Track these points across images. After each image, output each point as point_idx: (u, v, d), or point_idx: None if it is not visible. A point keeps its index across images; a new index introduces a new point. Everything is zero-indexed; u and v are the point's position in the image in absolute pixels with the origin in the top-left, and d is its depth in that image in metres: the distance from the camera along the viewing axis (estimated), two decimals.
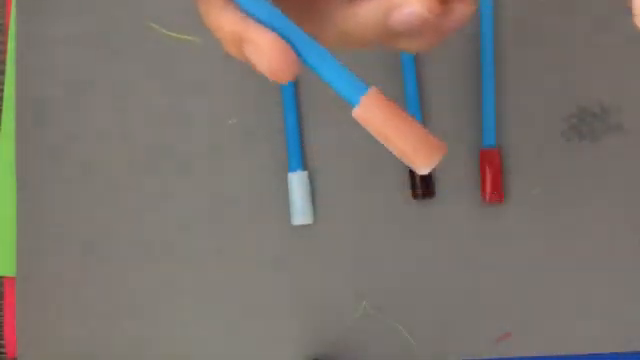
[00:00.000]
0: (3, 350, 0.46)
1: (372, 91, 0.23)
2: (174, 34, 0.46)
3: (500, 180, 0.43)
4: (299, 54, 0.23)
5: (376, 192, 0.45)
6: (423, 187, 0.44)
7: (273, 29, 0.22)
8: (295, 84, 0.45)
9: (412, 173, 0.44)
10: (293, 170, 0.44)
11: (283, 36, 0.22)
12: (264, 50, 0.22)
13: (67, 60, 0.47)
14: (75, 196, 0.46)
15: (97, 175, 0.46)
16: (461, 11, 0.25)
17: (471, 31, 0.45)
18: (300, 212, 0.44)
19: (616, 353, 0.43)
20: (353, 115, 0.23)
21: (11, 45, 0.47)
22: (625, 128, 0.44)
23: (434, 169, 0.44)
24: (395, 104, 0.23)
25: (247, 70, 0.46)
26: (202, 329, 0.45)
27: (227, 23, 0.23)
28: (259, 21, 0.23)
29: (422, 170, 0.22)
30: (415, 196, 0.44)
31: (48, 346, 0.45)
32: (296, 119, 0.45)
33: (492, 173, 0.43)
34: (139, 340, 0.45)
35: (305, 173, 0.44)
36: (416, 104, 0.44)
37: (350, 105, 0.23)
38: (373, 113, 0.22)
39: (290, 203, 0.44)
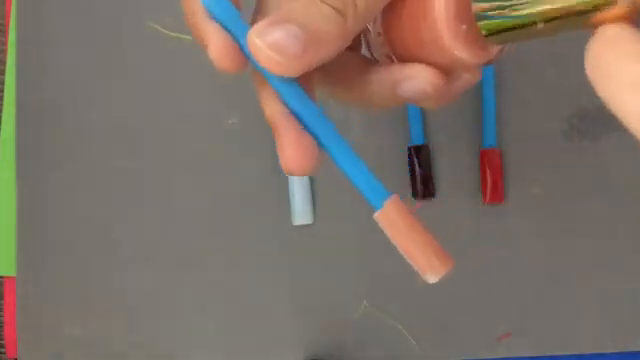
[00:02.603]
0: (3, 350, 0.46)
1: (394, 198, 0.25)
2: (174, 34, 0.46)
3: (500, 180, 0.43)
4: (327, 151, 0.25)
5: None
6: (423, 187, 0.44)
7: (305, 124, 0.24)
8: None
9: (412, 173, 0.44)
10: None
11: (313, 131, 0.24)
12: (286, 151, 0.24)
13: (67, 60, 0.47)
14: (75, 196, 0.46)
15: (97, 175, 0.46)
16: (465, 80, 0.26)
17: None
18: (300, 212, 0.44)
19: (616, 353, 0.43)
20: (374, 217, 0.25)
21: (11, 45, 0.47)
22: (625, 128, 0.44)
23: (434, 169, 0.44)
24: (412, 214, 0.25)
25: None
26: (202, 329, 0.45)
27: (266, 110, 0.25)
28: (293, 110, 0.24)
29: (430, 280, 0.24)
30: (415, 196, 0.44)
31: (48, 346, 0.45)
32: None
33: (492, 173, 0.43)
34: (139, 340, 0.45)
35: None
36: None
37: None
38: (393, 220, 0.25)
39: (290, 203, 0.44)
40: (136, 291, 0.45)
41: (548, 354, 0.43)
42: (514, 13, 0.21)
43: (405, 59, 0.25)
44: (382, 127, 0.45)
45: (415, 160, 0.44)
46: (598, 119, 0.44)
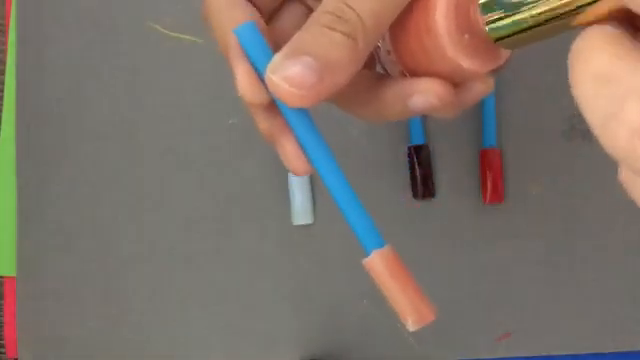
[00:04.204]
0: (3, 350, 0.46)
1: (387, 249, 0.25)
2: (174, 34, 0.46)
3: (500, 180, 0.43)
4: (328, 187, 0.26)
5: (376, 192, 0.45)
6: (423, 187, 0.44)
7: (310, 157, 0.26)
8: None
9: (412, 173, 0.44)
10: None
11: (317, 166, 0.26)
12: (292, 161, 0.26)
13: (67, 60, 0.47)
14: (75, 196, 0.46)
15: (97, 175, 0.46)
16: (477, 90, 0.27)
17: None
18: (300, 212, 0.44)
19: (616, 353, 0.43)
20: (363, 263, 0.25)
21: (11, 45, 0.47)
22: None
23: (434, 169, 0.44)
24: (403, 266, 0.25)
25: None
26: (202, 329, 0.45)
27: (260, 124, 0.27)
28: (302, 145, 0.26)
29: (410, 328, 0.25)
30: (415, 196, 0.44)
31: (48, 346, 0.45)
32: None
33: (492, 173, 0.43)
34: (139, 340, 0.45)
35: None
36: None
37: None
38: (381, 269, 0.25)
39: (290, 203, 0.44)
40: (136, 291, 0.45)
41: (548, 354, 0.43)
42: (521, 16, 0.21)
43: (416, 73, 0.26)
44: (382, 127, 0.45)
45: (415, 160, 0.44)
46: None
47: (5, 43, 0.48)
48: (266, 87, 0.24)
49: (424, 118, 0.45)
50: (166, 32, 0.47)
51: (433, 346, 0.44)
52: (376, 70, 0.29)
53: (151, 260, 0.45)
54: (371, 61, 0.29)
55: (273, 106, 0.26)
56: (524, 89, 0.45)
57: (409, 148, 0.44)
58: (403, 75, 0.27)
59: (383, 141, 0.45)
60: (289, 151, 0.26)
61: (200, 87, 0.46)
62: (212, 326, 0.45)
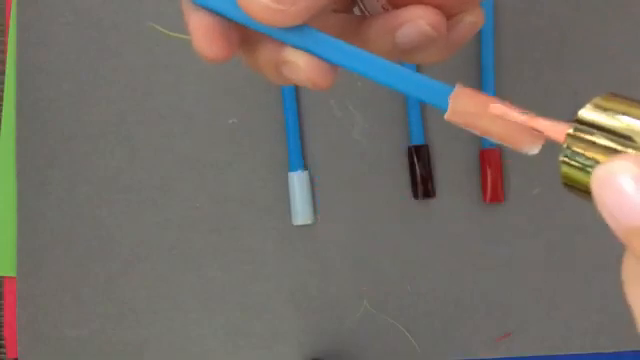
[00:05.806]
0: (3, 350, 0.46)
1: (457, 91, 0.22)
2: (174, 34, 0.46)
3: (500, 180, 0.43)
4: (377, 81, 0.22)
5: (376, 192, 0.45)
6: (423, 187, 0.44)
7: (332, 60, 0.22)
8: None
9: (412, 173, 0.44)
10: (293, 170, 0.44)
11: (354, 68, 0.22)
12: (302, 67, 0.22)
13: (67, 60, 0.47)
14: (75, 196, 0.46)
15: (97, 175, 0.46)
16: (469, 22, 0.24)
17: None
18: (300, 212, 0.44)
19: (616, 353, 0.43)
20: (446, 118, 0.22)
21: (11, 45, 0.47)
22: None
23: (434, 169, 0.44)
24: (482, 95, 0.22)
25: (247, 70, 0.46)
26: (202, 329, 0.45)
27: (263, 54, 0.23)
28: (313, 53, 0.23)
29: (531, 152, 0.22)
30: (415, 196, 0.44)
31: (48, 346, 0.45)
32: (296, 119, 0.45)
33: (492, 173, 0.43)
34: (139, 340, 0.45)
35: (305, 173, 0.44)
36: (417, 104, 0.44)
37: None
38: (464, 112, 0.21)
39: (290, 203, 0.44)
40: (136, 291, 0.45)
41: (548, 354, 0.44)
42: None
43: (402, 4, 0.23)
44: (382, 127, 0.45)
45: (415, 160, 0.44)
46: None
47: (5, 43, 0.48)
48: (224, 38, 0.22)
49: (424, 118, 0.45)
50: (166, 32, 0.47)
51: (433, 346, 0.44)
52: (354, 13, 0.27)
53: (151, 260, 0.45)
54: (348, 6, 0.27)
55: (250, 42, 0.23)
56: (524, 89, 0.45)
57: (409, 148, 0.44)
58: (385, 10, 0.25)
59: (383, 141, 0.45)
60: (308, 64, 0.22)
61: (200, 87, 0.46)
62: (212, 326, 0.45)
